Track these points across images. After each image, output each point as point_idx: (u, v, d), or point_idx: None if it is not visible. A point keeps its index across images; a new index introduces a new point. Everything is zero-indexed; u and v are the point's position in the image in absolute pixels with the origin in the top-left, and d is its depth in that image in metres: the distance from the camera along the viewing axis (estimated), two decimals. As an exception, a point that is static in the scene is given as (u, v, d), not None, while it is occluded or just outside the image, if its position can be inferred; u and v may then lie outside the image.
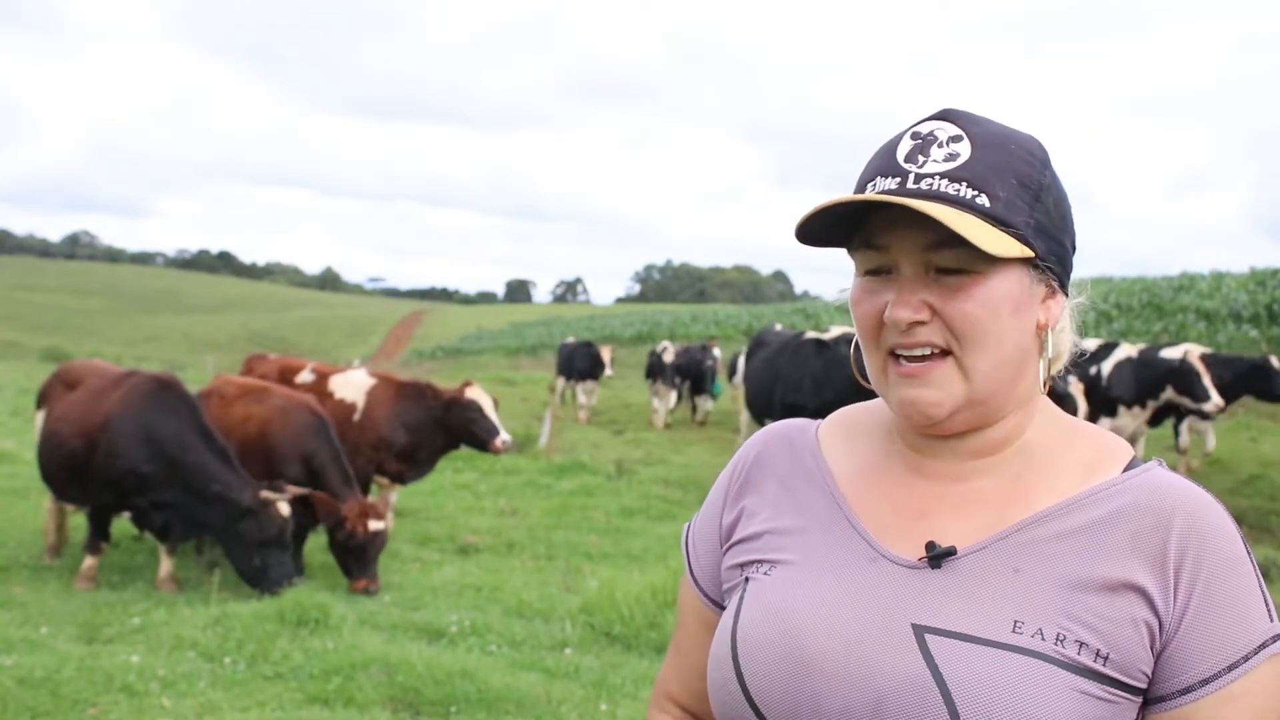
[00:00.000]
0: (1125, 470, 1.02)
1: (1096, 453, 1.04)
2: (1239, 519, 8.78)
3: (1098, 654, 0.93)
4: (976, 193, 0.97)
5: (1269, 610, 0.96)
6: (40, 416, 6.71)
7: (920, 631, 0.96)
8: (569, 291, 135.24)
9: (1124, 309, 24.54)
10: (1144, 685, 0.94)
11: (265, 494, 5.88)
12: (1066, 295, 1.05)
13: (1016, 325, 0.99)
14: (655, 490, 10.18)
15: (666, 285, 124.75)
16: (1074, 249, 1.05)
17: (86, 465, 6.10)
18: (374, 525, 6.29)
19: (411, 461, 7.54)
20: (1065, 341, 1.08)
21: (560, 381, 18.56)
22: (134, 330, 57.52)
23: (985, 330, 0.98)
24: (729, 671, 1.03)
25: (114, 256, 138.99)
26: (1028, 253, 0.97)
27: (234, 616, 5.31)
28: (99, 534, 6.27)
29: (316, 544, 7.24)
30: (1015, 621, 0.94)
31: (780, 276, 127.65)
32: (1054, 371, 1.08)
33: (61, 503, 6.62)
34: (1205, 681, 0.93)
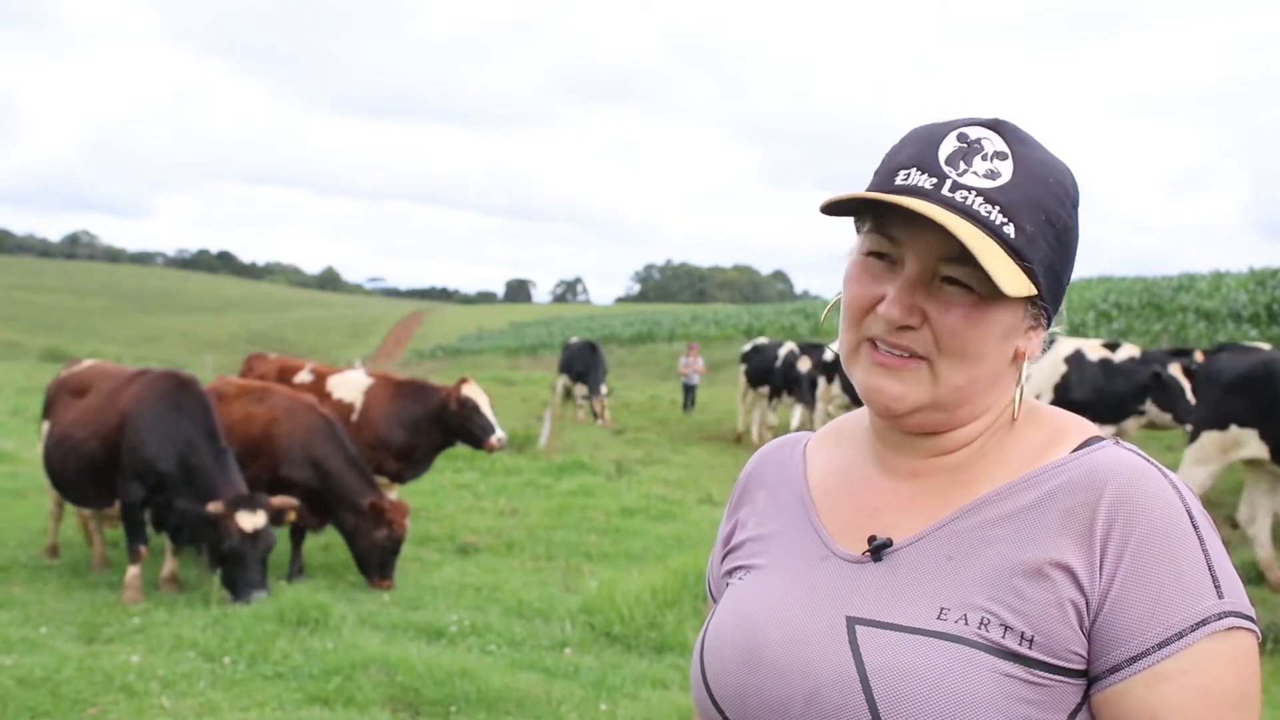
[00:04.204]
0: (1077, 450, 1.00)
1: (1050, 434, 1.03)
2: (1238, 519, 8.77)
3: (1022, 637, 0.91)
4: (1006, 220, 0.96)
5: (1217, 586, 0.90)
6: (46, 426, 6.63)
7: (852, 623, 0.98)
8: (569, 291, 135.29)
9: (1124, 309, 24.55)
10: (1083, 666, 0.92)
11: (213, 505, 5.72)
12: (1048, 327, 1.05)
13: (997, 349, 1.00)
14: (655, 490, 10.18)
15: (666, 285, 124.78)
16: (1068, 282, 1.06)
17: (106, 464, 6.06)
18: (408, 522, 6.41)
19: (409, 460, 7.54)
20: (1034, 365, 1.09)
21: (562, 381, 18.46)
22: (134, 330, 57.53)
23: (968, 349, 0.98)
24: (698, 670, 1.07)
25: (114, 256, 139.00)
26: (1034, 291, 0.98)
27: (234, 616, 5.31)
28: (137, 538, 6.03)
29: (316, 544, 7.24)
30: (941, 609, 0.95)
31: (780, 276, 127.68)
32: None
33: (80, 508, 6.57)
34: (1134, 659, 0.90)
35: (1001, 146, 0.99)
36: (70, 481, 6.28)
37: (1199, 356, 9.06)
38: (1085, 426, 1.04)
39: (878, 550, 1.02)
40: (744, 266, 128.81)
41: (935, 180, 0.98)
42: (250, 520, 5.76)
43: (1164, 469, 0.97)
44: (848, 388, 11.38)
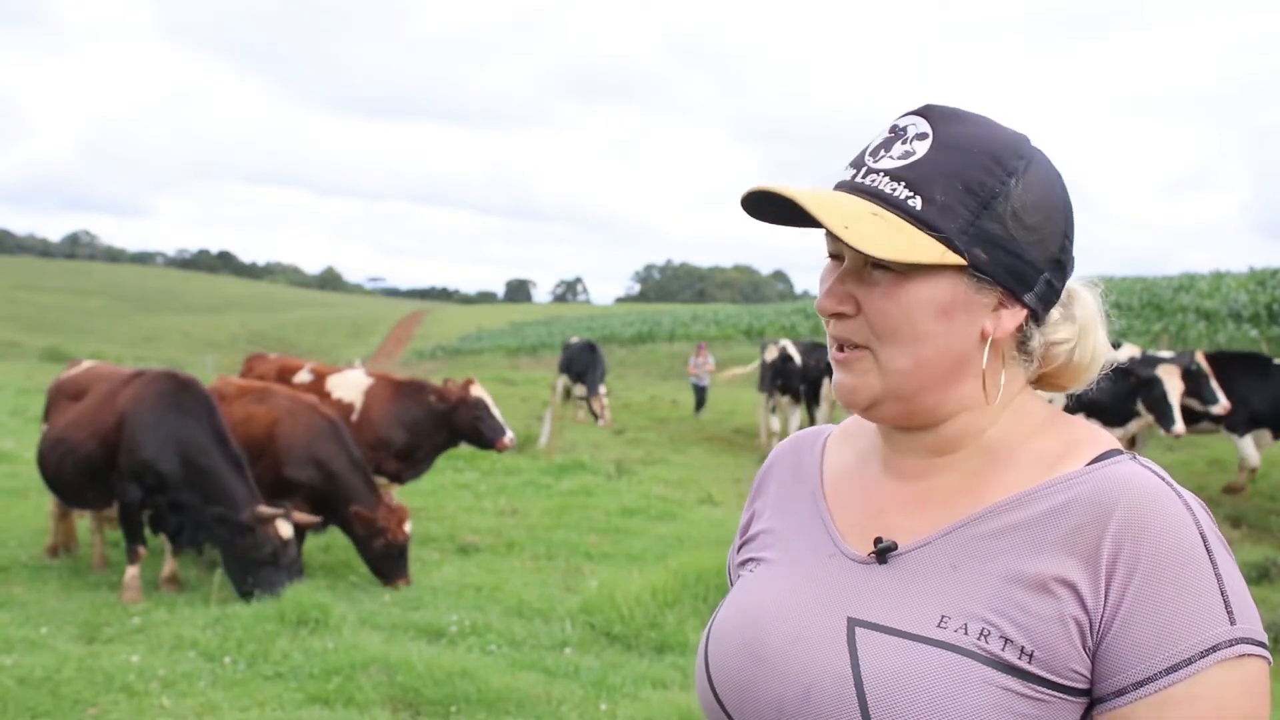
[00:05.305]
0: (1092, 463, 0.98)
1: (1065, 445, 1.01)
2: (1239, 519, 8.78)
3: (1022, 651, 0.90)
4: (911, 194, 0.96)
5: (1229, 612, 0.88)
6: (45, 430, 6.60)
7: (853, 625, 0.97)
8: (569, 291, 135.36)
9: (1124, 309, 24.53)
10: (1084, 685, 0.91)
11: (263, 510, 5.73)
12: (1028, 306, 1.00)
13: (941, 329, 0.97)
14: (655, 490, 10.17)
15: (666, 285, 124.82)
16: (1061, 264, 1.01)
17: (102, 466, 6.04)
18: (408, 527, 6.39)
19: (410, 461, 7.55)
20: (1087, 351, 1.05)
21: (562, 381, 18.41)
22: (134, 330, 57.56)
23: (899, 330, 0.98)
24: (701, 662, 1.07)
25: (114, 256, 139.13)
26: (951, 260, 0.95)
27: (234, 616, 5.31)
28: (135, 539, 6.02)
29: (316, 544, 7.24)
30: (942, 616, 0.94)
31: (780, 276, 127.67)
32: (1084, 382, 1.06)
33: (75, 509, 6.56)
34: (1140, 684, 0.88)
35: (924, 128, 1.00)
36: (68, 483, 6.25)
37: (1199, 357, 9.05)
38: (1102, 438, 1.02)
39: (883, 553, 1.01)
40: (744, 266, 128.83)
41: (854, 171, 1.01)
42: (287, 529, 5.83)
43: (1179, 487, 0.94)
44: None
